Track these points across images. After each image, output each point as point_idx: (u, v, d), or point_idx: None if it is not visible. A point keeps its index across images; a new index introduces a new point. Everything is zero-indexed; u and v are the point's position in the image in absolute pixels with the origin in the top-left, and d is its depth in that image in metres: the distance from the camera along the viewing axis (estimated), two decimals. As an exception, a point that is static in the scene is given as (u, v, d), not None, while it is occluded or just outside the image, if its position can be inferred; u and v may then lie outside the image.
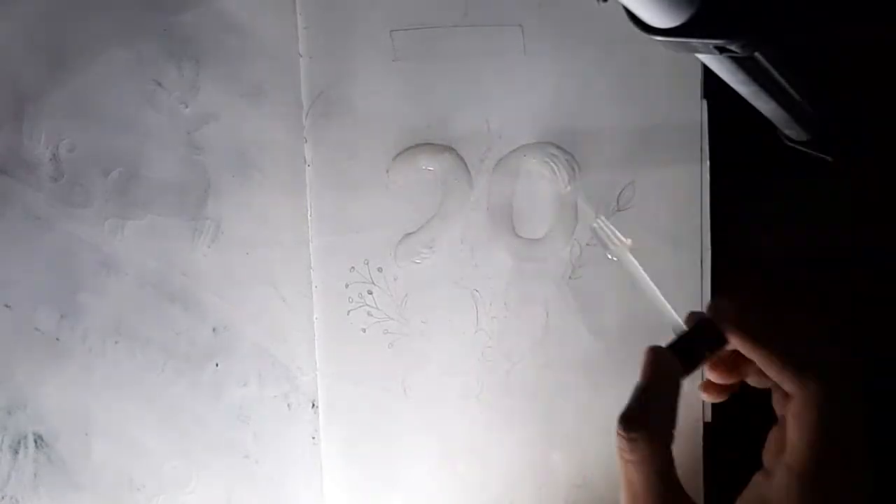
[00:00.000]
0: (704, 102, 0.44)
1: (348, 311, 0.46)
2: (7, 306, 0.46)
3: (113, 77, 0.46)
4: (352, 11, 0.45)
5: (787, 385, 0.34)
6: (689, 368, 0.36)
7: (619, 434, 0.34)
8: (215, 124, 0.46)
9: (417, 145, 0.46)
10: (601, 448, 0.45)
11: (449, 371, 0.46)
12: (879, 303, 0.44)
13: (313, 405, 0.47)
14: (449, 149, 0.46)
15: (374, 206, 0.46)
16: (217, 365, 0.47)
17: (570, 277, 0.46)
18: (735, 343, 0.36)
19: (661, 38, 0.28)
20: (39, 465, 0.47)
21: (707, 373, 0.40)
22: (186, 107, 0.46)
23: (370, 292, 0.46)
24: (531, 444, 0.46)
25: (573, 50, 0.45)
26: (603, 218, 0.39)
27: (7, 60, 0.46)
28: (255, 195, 0.46)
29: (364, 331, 0.46)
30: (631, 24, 0.28)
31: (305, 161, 0.46)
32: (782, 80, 0.34)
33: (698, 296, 0.45)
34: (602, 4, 0.44)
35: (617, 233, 0.39)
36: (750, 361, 0.37)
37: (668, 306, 0.38)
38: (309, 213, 0.46)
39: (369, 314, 0.46)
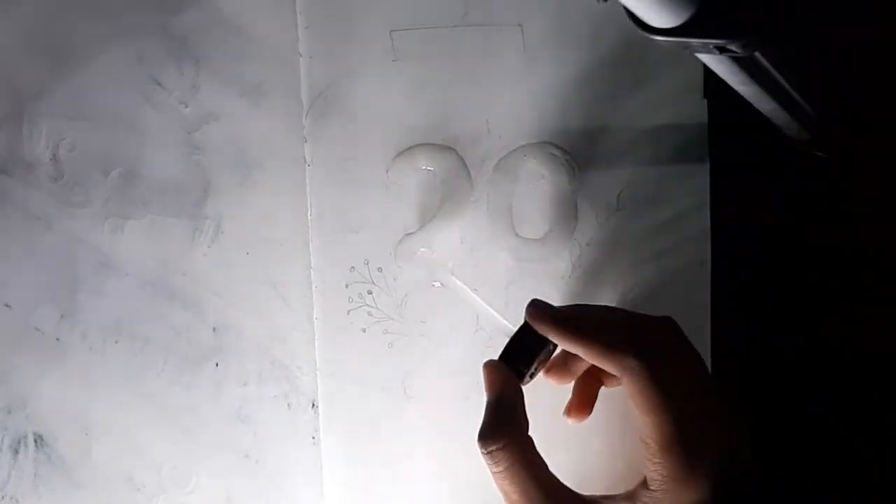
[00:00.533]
0: (704, 102, 0.44)
1: (348, 311, 0.46)
2: (7, 306, 0.46)
3: (113, 77, 0.46)
4: (352, 11, 0.45)
5: (613, 367, 0.36)
6: (524, 372, 0.39)
7: (481, 452, 0.37)
8: (215, 124, 0.46)
9: (417, 145, 0.46)
10: (601, 447, 0.45)
11: (449, 371, 0.46)
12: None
13: (313, 405, 0.47)
14: (449, 149, 0.46)
15: (375, 206, 0.46)
16: (217, 364, 0.47)
17: (569, 277, 0.46)
18: (554, 337, 0.38)
19: (661, 38, 0.28)
20: (39, 464, 0.47)
21: (546, 377, 0.42)
22: (186, 106, 0.46)
23: (370, 292, 0.46)
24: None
25: (573, 50, 0.45)
26: (424, 249, 0.41)
27: (7, 60, 0.46)
28: (255, 195, 0.46)
29: (364, 331, 0.46)
30: (631, 24, 0.28)
31: (305, 161, 0.46)
32: (782, 80, 0.34)
33: (698, 296, 0.45)
34: (602, 4, 0.44)
35: (437, 258, 0.41)
36: (579, 359, 0.39)
37: (499, 316, 0.41)
38: (309, 212, 0.46)
39: (369, 314, 0.46)
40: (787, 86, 0.35)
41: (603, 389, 0.43)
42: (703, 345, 0.45)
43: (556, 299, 0.45)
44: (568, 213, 0.46)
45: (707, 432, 0.35)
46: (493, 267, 0.46)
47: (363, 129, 0.46)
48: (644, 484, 0.36)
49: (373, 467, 0.46)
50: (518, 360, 0.40)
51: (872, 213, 0.44)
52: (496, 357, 0.41)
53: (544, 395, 0.43)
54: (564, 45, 0.45)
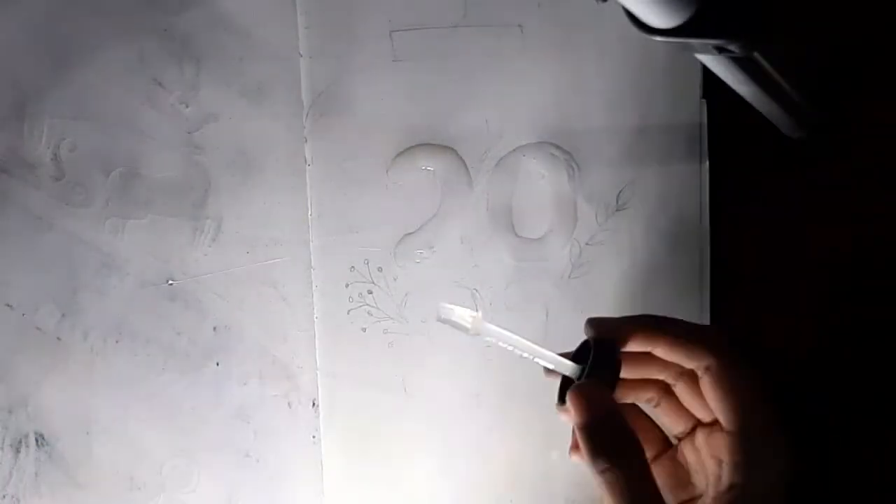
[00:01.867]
0: (704, 102, 0.44)
1: (348, 311, 0.46)
2: (8, 306, 0.47)
3: (114, 77, 0.46)
4: (352, 12, 0.45)
5: (699, 358, 0.36)
6: (615, 388, 0.37)
7: (593, 473, 0.35)
8: (216, 124, 0.46)
9: (417, 145, 0.46)
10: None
11: (449, 370, 0.46)
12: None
13: (314, 404, 0.47)
14: (449, 149, 0.46)
15: (375, 206, 0.46)
16: (217, 364, 0.47)
17: (569, 277, 0.46)
18: (636, 339, 0.37)
19: (661, 38, 0.28)
20: (40, 464, 0.47)
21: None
22: (187, 106, 0.46)
23: (370, 292, 0.46)
24: (531, 442, 0.46)
25: (573, 50, 0.45)
26: (445, 304, 0.35)
27: (8, 60, 0.46)
28: (255, 195, 0.46)
29: (364, 330, 0.46)
30: (631, 24, 0.28)
31: (306, 160, 0.46)
32: (782, 80, 0.34)
33: (698, 296, 0.45)
34: (602, 4, 0.44)
35: (463, 313, 0.36)
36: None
37: (550, 353, 0.37)
38: (309, 212, 0.46)
39: (369, 314, 0.46)
40: (786, 86, 0.35)
41: None
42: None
43: (555, 299, 0.45)
44: (568, 212, 0.46)
45: (779, 431, 0.36)
46: (493, 267, 0.46)
47: (363, 129, 0.46)
48: (729, 489, 0.35)
49: (373, 466, 0.46)
50: (605, 378, 0.36)
51: (872, 212, 0.44)
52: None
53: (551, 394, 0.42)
54: (564, 45, 0.45)
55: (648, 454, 0.39)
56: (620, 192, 0.45)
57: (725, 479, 0.36)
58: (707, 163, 0.45)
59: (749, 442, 0.35)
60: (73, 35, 0.46)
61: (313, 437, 0.47)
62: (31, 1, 0.46)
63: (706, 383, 0.36)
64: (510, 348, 0.36)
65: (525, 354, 0.37)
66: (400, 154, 0.46)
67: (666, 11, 0.27)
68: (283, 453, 0.47)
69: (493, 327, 0.36)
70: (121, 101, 0.46)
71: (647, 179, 0.45)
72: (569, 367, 0.37)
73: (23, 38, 0.46)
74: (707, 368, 0.36)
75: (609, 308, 0.45)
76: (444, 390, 0.46)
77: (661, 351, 0.37)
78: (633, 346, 0.37)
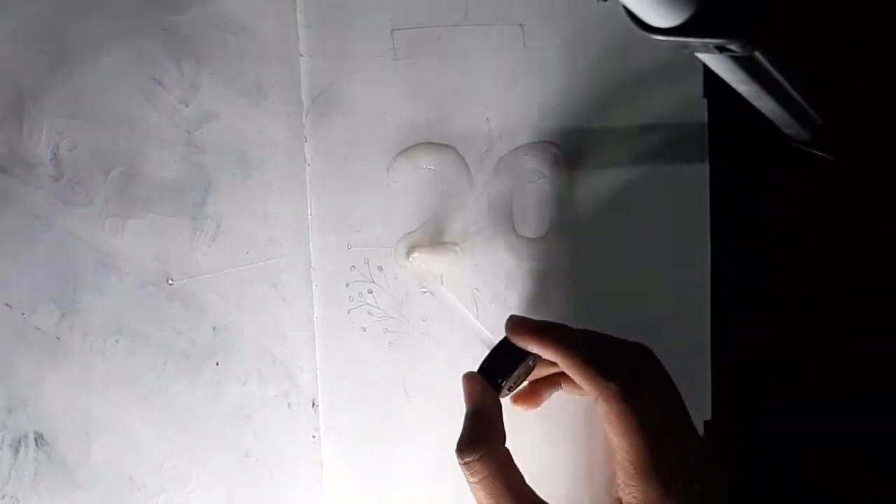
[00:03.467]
0: (704, 102, 0.44)
1: (348, 310, 0.46)
2: (7, 305, 0.47)
3: (113, 76, 0.46)
4: (352, 10, 0.45)
5: (591, 385, 0.36)
6: (502, 385, 0.40)
7: (458, 463, 0.38)
8: (215, 123, 0.46)
9: (418, 144, 0.46)
10: (602, 446, 0.45)
11: (449, 370, 0.46)
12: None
13: (313, 404, 0.47)
14: (449, 148, 0.46)
15: (375, 205, 0.46)
16: (217, 364, 0.47)
17: (569, 277, 0.46)
18: (534, 347, 0.39)
19: (661, 37, 0.28)
20: (40, 464, 0.47)
21: (513, 404, 0.43)
22: (187, 106, 0.46)
23: (370, 291, 0.46)
24: (531, 442, 0.46)
25: (573, 49, 0.45)
26: (417, 254, 0.42)
27: (7, 59, 0.46)
28: (255, 194, 0.46)
29: (364, 330, 0.46)
30: (631, 24, 0.28)
31: (306, 160, 0.46)
32: (782, 80, 0.34)
33: (698, 296, 0.45)
34: (602, 4, 0.44)
35: (431, 267, 0.42)
36: (546, 386, 0.41)
37: (483, 328, 0.42)
38: (309, 212, 0.46)
39: (369, 313, 0.46)
40: (787, 85, 0.35)
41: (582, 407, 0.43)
42: (703, 345, 0.45)
43: (556, 298, 0.45)
44: (568, 212, 0.46)
45: (682, 456, 0.35)
46: (492, 266, 0.46)
47: (363, 129, 0.46)
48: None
49: (373, 466, 0.46)
50: (497, 372, 0.40)
51: (872, 212, 0.44)
52: (476, 368, 0.41)
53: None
54: (564, 45, 0.45)
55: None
56: (620, 191, 0.45)
57: (617, 493, 0.36)
58: (707, 162, 0.45)
59: (644, 483, 0.35)
60: (72, 35, 0.46)
61: (313, 436, 0.47)
62: (31, 1, 0.46)
63: (598, 411, 0.36)
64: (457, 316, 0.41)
65: (466, 325, 0.41)
66: (400, 153, 0.46)
67: (666, 11, 0.27)
68: (283, 453, 0.47)
69: (445, 291, 0.42)
70: (120, 101, 0.46)
71: (647, 179, 0.45)
72: (489, 345, 0.41)
73: (23, 38, 0.46)
74: (596, 399, 0.36)
75: (609, 309, 0.45)
76: (444, 390, 0.46)
77: (561, 365, 0.38)
78: (536, 352, 0.39)
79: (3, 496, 0.47)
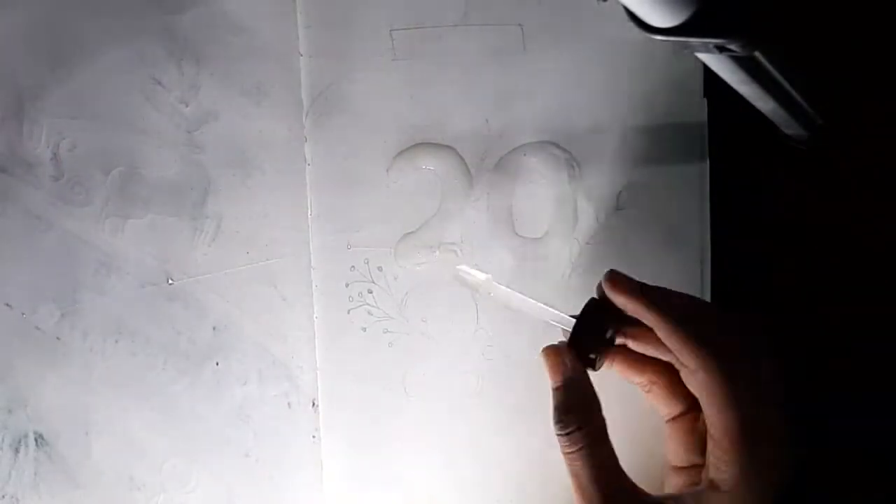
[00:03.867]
0: (704, 102, 0.44)
1: (348, 310, 0.46)
2: (7, 305, 0.47)
3: (113, 76, 0.46)
4: (352, 11, 0.45)
5: (688, 354, 0.35)
6: (592, 357, 0.39)
7: (557, 434, 0.37)
8: (215, 123, 0.46)
9: (417, 144, 0.46)
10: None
11: (449, 369, 0.46)
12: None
13: (314, 404, 0.47)
14: (449, 148, 0.46)
15: (375, 205, 0.46)
16: (217, 364, 0.47)
17: (569, 277, 0.46)
18: (635, 309, 0.37)
19: (661, 37, 0.28)
20: (40, 463, 0.47)
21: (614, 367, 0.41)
22: (187, 106, 0.46)
23: (370, 291, 0.46)
24: (532, 442, 0.46)
25: (573, 49, 0.45)
26: (463, 267, 0.42)
27: (7, 59, 0.46)
28: (255, 194, 0.46)
29: (364, 330, 0.46)
30: (631, 24, 0.28)
31: (306, 160, 0.46)
32: (782, 80, 0.34)
33: (699, 296, 0.45)
34: (602, 4, 0.44)
35: (475, 273, 0.42)
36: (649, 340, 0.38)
37: (554, 311, 0.40)
38: (309, 212, 0.46)
39: (369, 313, 0.46)
40: (787, 85, 0.35)
41: (605, 377, 0.42)
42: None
43: (555, 299, 0.45)
44: (568, 212, 0.46)
45: (775, 435, 0.34)
46: (492, 266, 0.46)
47: (363, 129, 0.46)
48: (712, 486, 0.35)
49: (373, 466, 0.46)
50: (585, 343, 0.39)
51: (872, 212, 0.44)
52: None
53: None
54: (564, 46, 0.45)
55: (674, 410, 0.39)
56: (620, 191, 0.45)
57: (707, 473, 0.36)
58: (707, 162, 0.45)
59: (739, 457, 0.34)
60: (72, 34, 0.46)
61: (313, 436, 0.47)
62: (31, 1, 0.46)
63: (690, 384, 0.36)
64: (517, 309, 0.41)
65: (532, 313, 0.40)
66: (400, 153, 0.46)
67: (666, 10, 0.27)
68: (283, 453, 0.47)
69: (503, 288, 0.41)
70: (120, 101, 0.46)
71: (648, 179, 0.45)
72: (567, 323, 0.39)
73: (22, 37, 0.46)
74: (692, 370, 0.35)
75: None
76: (444, 390, 0.46)
77: (658, 334, 0.37)
78: (631, 314, 0.38)
79: (3, 496, 0.47)
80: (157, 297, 0.47)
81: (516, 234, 0.46)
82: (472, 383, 0.46)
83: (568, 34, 0.45)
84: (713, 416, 0.35)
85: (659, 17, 0.27)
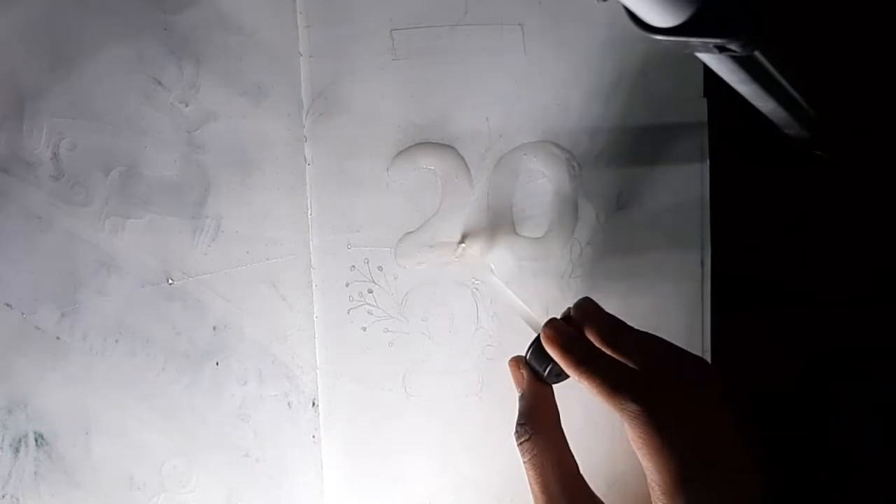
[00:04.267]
0: (704, 102, 0.44)
1: (349, 310, 0.46)
2: (7, 305, 0.47)
3: (113, 76, 0.46)
4: (352, 10, 0.45)
5: (613, 407, 0.35)
6: (544, 372, 0.40)
7: (516, 443, 0.38)
8: (215, 123, 0.46)
9: (418, 144, 0.46)
10: (602, 446, 0.45)
11: (449, 369, 0.46)
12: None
13: (313, 404, 0.47)
14: (449, 147, 0.46)
15: (375, 205, 0.46)
16: (217, 364, 0.47)
17: (570, 277, 0.46)
18: (561, 364, 0.38)
19: (662, 37, 0.28)
20: (40, 463, 0.47)
21: None
22: (187, 105, 0.46)
23: (370, 291, 0.46)
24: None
25: (573, 49, 0.45)
26: (463, 245, 0.44)
27: (7, 59, 0.46)
28: (255, 194, 0.46)
29: (364, 329, 0.46)
30: (631, 24, 0.28)
31: (306, 160, 0.46)
32: (782, 80, 0.34)
33: (698, 296, 0.45)
34: (602, 3, 0.44)
35: (480, 258, 0.44)
36: None
37: (534, 316, 0.41)
38: (309, 211, 0.46)
39: (370, 313, 0.46)
40: (786, 85, 0.35)
41: None
42: (703, 345, 0.45)
43: (556, 298, 0.45)
44: (568, 212, 0.46)
45: (714, 482, 0.33)
46: (493, 266, 0.46)
47: (363, 129, 0.46)
48: None
49: (373, 466, 0.46)
50: (539, 361, 0.40)
51: (872, 212, 0.44)
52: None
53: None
54: (564, 45, 0.45)
55: None
56: (620, 191, 0.45)
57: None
58: (708, 162, 0.45)
59: (653, 494, 0.34)
60: (72, 34, 0.46)
61: (313, 436, 0.47)
62: (31, 1, 0.46)
63: (629, 436, 0.35)
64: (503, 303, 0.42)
65: (516, 311, 0.42)
66: (400, 153, 0.46)
67: (667, 10, 0.27)
68: (283, 453, 0.47)
69: (495, 279, 0.43)
70: (120, 101, 0.46)
71: (648, 179, 0.45)
72: (537, 327, 0.40)
73: (23, 38, 0.46)
74: (622, 421, 0.35)
75: (609, 308, 0.45)
76: (445, 389, 0.46)
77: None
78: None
79: (4, 496, 0.47)
80: (157, 297, 0.47)
81: (517, 233, 0.46)
82: (472, 383, 0.46)
83: (568, 34, 0.45)
84: (645, 466, 0.34)
85: (659, 17, 0.27)
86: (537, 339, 0.40)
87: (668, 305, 0.45)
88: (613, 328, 0.38)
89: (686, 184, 0.45)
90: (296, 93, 0.46)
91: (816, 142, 0.43)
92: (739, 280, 0.45)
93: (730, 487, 0.33)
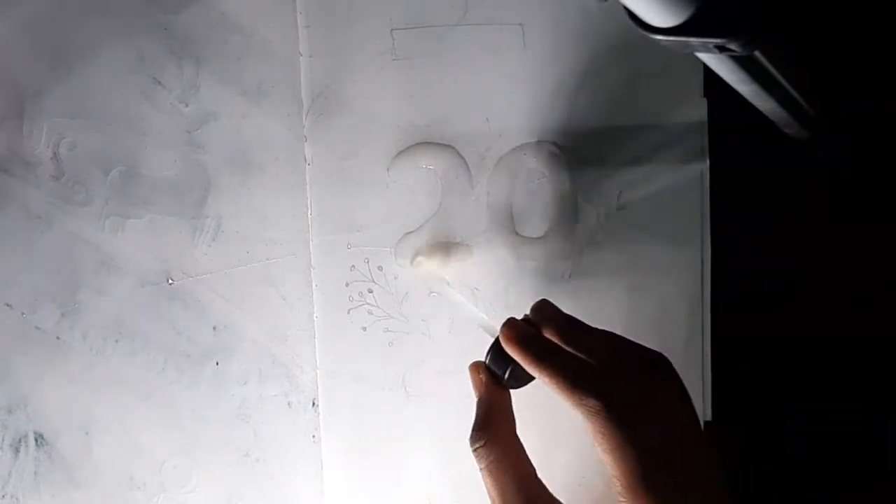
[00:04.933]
0: (704, 101, 0.44)
1: (348, 310, 0.46)
2: (8, 305, 0.47)
3: (113, 75, 0.46)
4: (352, 10, 0.45)
5: (571, 403, 0.35)
6: (502, 377, 0.40)
7: (471, 450, 0.38)
8: (215, 123, 0.46)
9: (418, 144, 0.46)
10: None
11: (449, 369, 0.46)
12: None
13: (313, 404, 0.47)
14: (449, 147, 0.46)
15: (375, 205, 0.46)
16: (217, 363, 0.47)
17: (570, 277, 0.46)
18: (519, 361, 0.38)
19: (662, 37, 0.28)
20: (40, 463, 0.47)
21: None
22: (187, 105, 0.46)
23: (370, 291, 0.46)
24: (531, 443, 0.46)
25: (573, 49, 0.45)
26: (421, 258, 0.45)
27: (8, 59, 0.46)
28: (255, 194, 0.46)
29: (364, 329, 0.46)
30: (631, 24, 0.28)
31: (306, 160, 0.46)
32: (782, 80, 0.34)
33: (698, 296, 0.45)
34: (602, 4, 0.44)
35: (436, 271, 0.44)
36: None
37: (491, 322, 0.42)
38: (309, 211, 0.46)
39: (370, 313, 0.46)
40: (786, 85, 0.35)
41: None
42: (704, 345, 0.45)
43: (556, 298, 0.45)
44: (568, 212, 0.46)
45: (676, 475, 0.33)
46: (492, 266, 0.46)
47: (363, 128, 0.46)
48: None
49: (373, 466, 0.46)
50: (498, 365, 0.40)
51: (872, 212, 0.44)
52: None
53: (539, 397, 0.42)
54: (564, 45, 0.45)
55: None
56: (620, 191, 0.45)
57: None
58: (707, 162, 0.45)
59: (616, 490, 0.34)
60: (72, 34, 0.46)
61: (313, 436, 0.47)
62: (31, 1, 0.46)
63: (588, 431, 0.35)
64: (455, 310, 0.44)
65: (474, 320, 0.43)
66: (400, 153, 0.46)
67: (666, 10, 0.27)
68: (283, 453, 0.47)
69: (453, 291, 0.44)
70: (120, 101, 0.46)
71: (647, 179, 0.45)
72: (493, 332, 0.41)
73: (23, 38, 0.46)
74: (581, 417, 0.34)
75: (609, 308, 0.45)
76: (445, 388, 0.46)
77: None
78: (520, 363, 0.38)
79: (4, 496, 0.47)
80: (157, 297, 0.47)
81: (516, 233, 0.46)
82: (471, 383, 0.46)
83: (568, 34, 0.45)
84: (605, 462, 0.34)
85: (659, 17, 0.27)
86: (496, 343, 0.40)
87: (668, 305, 0.45)
88: (571, 325, 0.39)
89: (686, 184, 0.45)
90: (296, 93, 0.46)
91: (817, 142, 0.43)
92: (739, 280, 0.45)
93: (693, 481, 0.33)
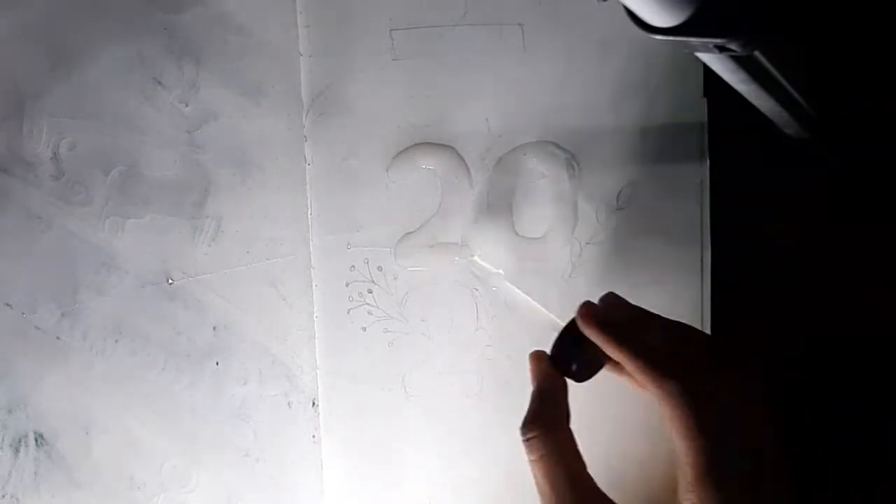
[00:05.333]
0: (705, 101, 0.44)
1: (348, 310, 0.46)
2: (7, 305, 0.47)
3: (113, 75, 0.46)
4: (352, 10, 0.45)
5: (651, 385, 0.34)
6: (565, 368, 0.39)
7: (522, 440, 0.37)
8: (215, 123, 0.46)
9: (417, 144, 0.46)
10: (601, 447, 0.45)
11: (449, 370, 0.46)
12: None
13: (313, 404, 0.47)
14: (449, 147, 0.46)
15: (375, 205, 0.46)
16: (217, 363, 0.47)
17: (570, 277, 0.46)
18: (597, 342, 0.37)
19: (661, 37, 0.28)
20: (40, 463, 0.47)
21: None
22: (187, 105, 0.46)
23: (370, 291, 0.46)
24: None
25: (573, 49, 0.45)
26: (476, 258, 0.44)
27: (8, 59, 0.46)
28: (255, 194, 0.46)
29: (364, 329, 0.46)
30: (631, 24, 0.28)
31: (306, 160, 0.46)
32: (782, 79, 0.34)
33: (698, 296, 0.45)
34: (602, 3, 0.44)
35: (489, 267, 0.44)
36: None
37: (553, 317, 0.42)
38: (309, 211, 0.46)
39: (369, 313, 0.46)
40: (786, 85, 0.35)
41: (604, 378, 0.42)
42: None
43: (556, 298, 0.45)
44: (568, 212, 0.46)
45: (746, 468, 0.33)
46: (493, 266, 0.46)
47: (363, 129, 0.46)
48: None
49: (373, 466, 0.46)
50: (564, 355, 0.39)
51: (872, 212, 0.44)
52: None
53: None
54: (564, 45, 0.45)
55: None
56: (620, 191, 0.45)
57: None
58: (708, 162, 0.45)
59: (703, 492, 0.33)
60: (72, 34, 0.46)
61: (313, 436, 0.47)
62: (32, 1, 0.46)
63: (665, 415, 0.34)
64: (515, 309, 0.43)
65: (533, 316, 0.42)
66: (400, 153, 0.46)
67: (666, 10, 0.27)
68: (283, 452, 0.47)
69: (508, 285, 0.44)
70: (120, 100, 0.46)
71: (648, 179, 0.45)
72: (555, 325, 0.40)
73: (22, 38, 0.46)
74: (659, 400, 0.34)
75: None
76: (445, 389, 0.46)
77: (623, 365, 0.36)
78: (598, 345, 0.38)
79: (4, 496, 0.47)
80: (157, 297, 0.47)
81: (516, 233, 0.46)
82: (471, 383, 0.46)
83: (568, 34, 0.45)
84: (678, 449, 0.33)
85: (659, 17, 0.27)
86: (564, 332, 0.39)
87: (668, 305, 0.45)
88: (644, 314, 0.38)
89: (686, 184, 0.45)
90: (296, 93, 0.46)
91: (816, 142, 0.43)
92: (739, 280, 0.45)
93: (766, 477, 0.33)
